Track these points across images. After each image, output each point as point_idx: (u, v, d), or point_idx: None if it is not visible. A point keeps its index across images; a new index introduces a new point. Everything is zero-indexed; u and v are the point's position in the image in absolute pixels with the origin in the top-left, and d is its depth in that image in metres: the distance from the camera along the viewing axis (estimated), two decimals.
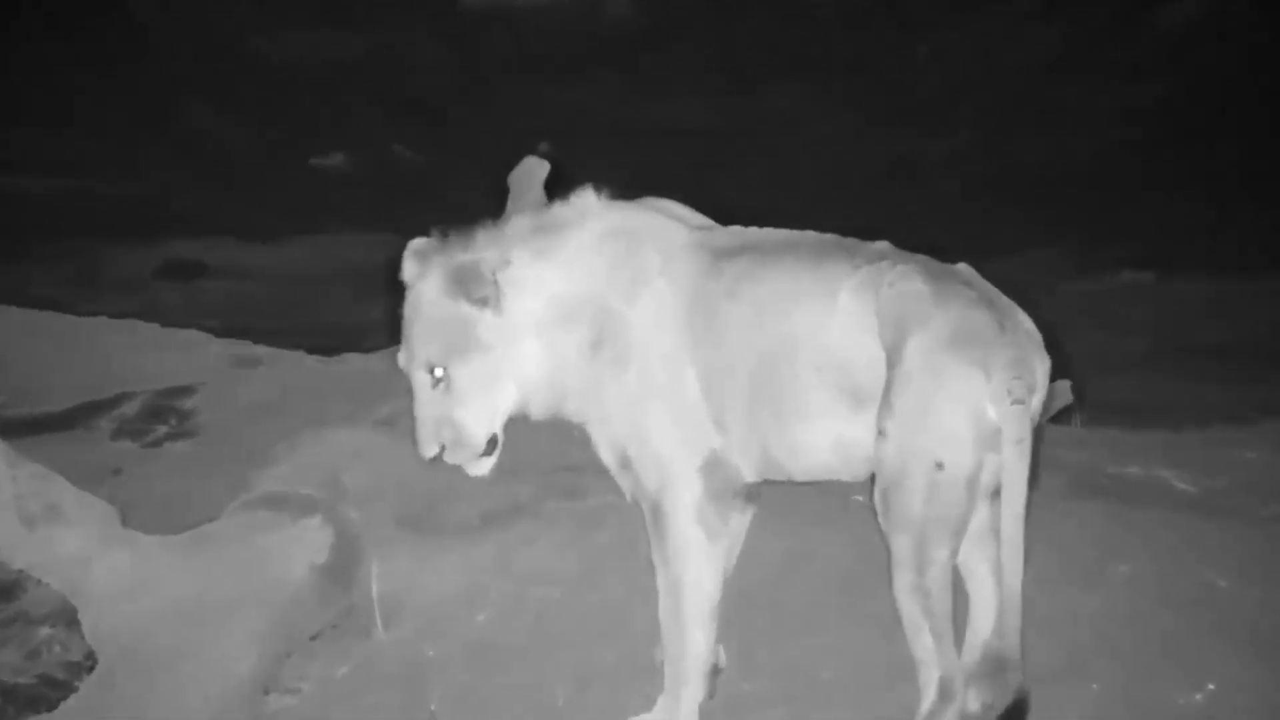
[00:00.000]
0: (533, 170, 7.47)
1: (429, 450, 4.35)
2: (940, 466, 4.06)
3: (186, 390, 7.84)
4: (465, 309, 4.34)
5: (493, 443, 4.43)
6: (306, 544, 5.59)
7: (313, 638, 5.62)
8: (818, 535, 5.73)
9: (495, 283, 4.35)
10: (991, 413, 4.05)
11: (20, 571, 5.41)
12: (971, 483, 4.08)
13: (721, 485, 4.42)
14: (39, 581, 5.38)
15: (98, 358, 8.19)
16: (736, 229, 4.61)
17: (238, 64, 22.35)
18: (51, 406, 7.87)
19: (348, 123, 20.33)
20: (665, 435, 4.38)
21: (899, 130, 19.32)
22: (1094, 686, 4.71)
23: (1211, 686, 4.63)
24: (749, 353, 4.36)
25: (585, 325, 4.42)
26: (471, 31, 23.35)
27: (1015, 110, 19.52)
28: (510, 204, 7.45)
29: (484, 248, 4.44)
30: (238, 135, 20.05)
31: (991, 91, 20.16)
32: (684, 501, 4.39)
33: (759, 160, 18.60)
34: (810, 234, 4.53)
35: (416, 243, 4.59)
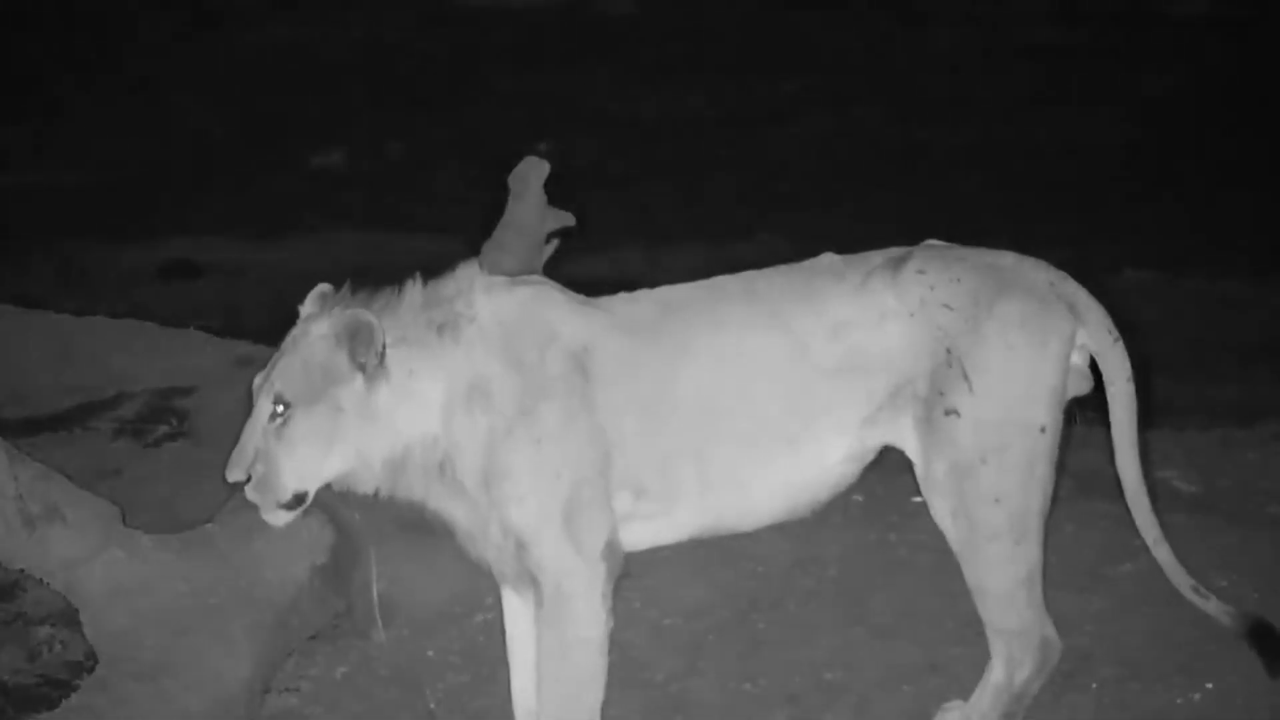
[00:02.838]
0: (532, 170, 7.45)
1: (234, 475, 4.19)
2: (1044, 430, 4.18)
3: (186, 390, 7.85)
4: (341, 364, 4.20)
5: (299, 499, 4.26)
6: (305, 544, 5.61)
7: (312, 637, 5.65)
8: (819, 536, 5.76)
9: (381, 355, 4.22)
10: (1079, 359, 4.25)
11: (21, 571, 5.43)
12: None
13: (617, 567, 4.37)
14: (40, 581, 5.39)
15: (96, 358, 8.17)
16: (638, 294, 4.55)
17: (228, 58, 22.29)
18: (49, 407, 7.87)
19: (342, 120, 20.26)
20: (580, 518, 4.27)
21: (901, 123, 19.23)
22: (1093, 685, 4.75)
23: (1210, 686, 4.67)
24: (718, 404, 4.33)
25: (494, 406, 4.27)
26: (466, 25, 23.29)
27: (1020, 103, 19.44)
28: (510, 204, 7.44)
29: (381, 315, 4.28)
30: (230, 132, 20.02)
31: (996, 83, 20.11)
32: (592, 587, 4.29)
33: (761, 152, 18.51)
34: (746, 272, 4.52)
35: (324, 286, 4.50)
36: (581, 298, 4.50)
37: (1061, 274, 4.33)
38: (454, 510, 4.41)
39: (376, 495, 4.44)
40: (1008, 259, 4.35)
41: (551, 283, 4.57)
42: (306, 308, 4.46)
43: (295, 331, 4.34)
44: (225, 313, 11.72)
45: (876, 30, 22.18)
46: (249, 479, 4.20)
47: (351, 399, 4.22)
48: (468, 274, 4.46)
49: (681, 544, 4.57)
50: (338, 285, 4.43)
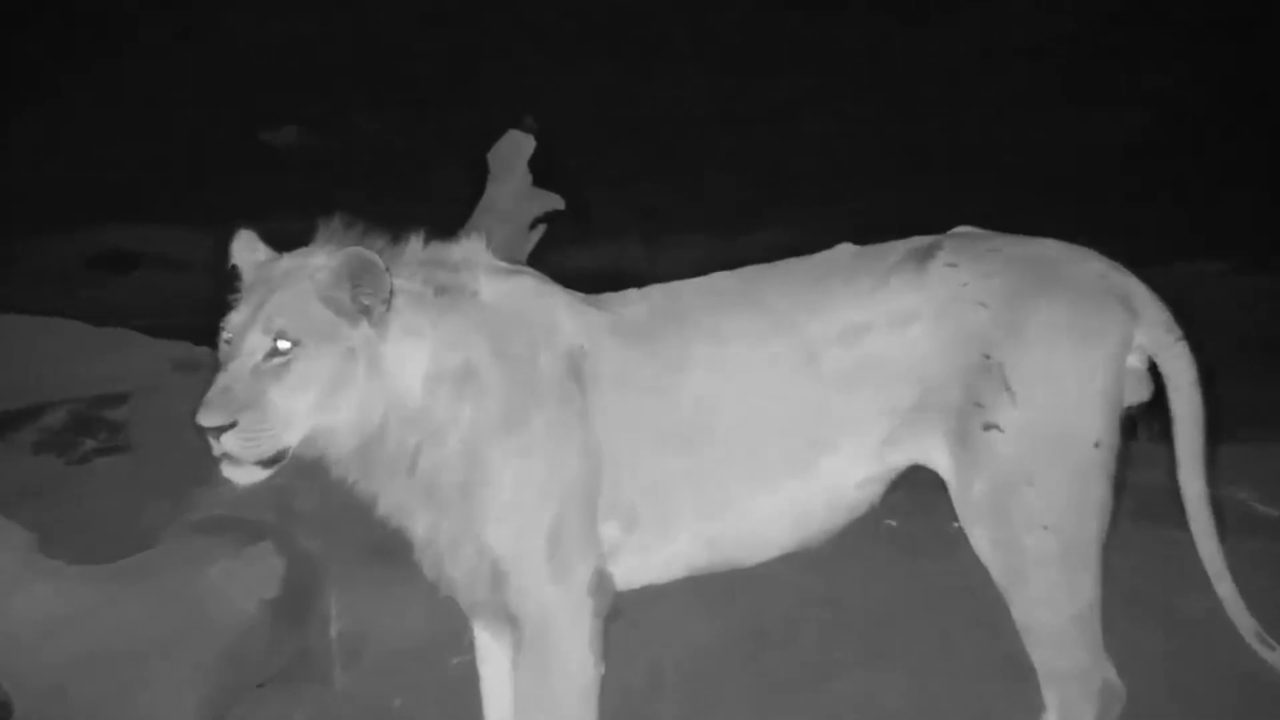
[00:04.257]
0: (516, 146, 7.43)
1: (216, 418, 3.98)
2: (1098, 444, 4.13)
3: (118, 398, 7.84)
4: (344, 303, 4.11)
5: (281, 455, 4.12)
6: (255, 575, 5.60)
7: (261, 685, 5.63)
8: (841, 566, 5.75)
9: (389, 301, 4.15)
10: (1136, 362, 4.18)
11: None
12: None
13: (607, 603, 4.33)
14: None
15: (15, 361, 8.18)
16: (638, 292, 4.53)
17: (179, 31, 22.32)
18: None
19: (304, 95, 20.28)
20: (567, 545, 4.24)
21: (903, 120, 19.43)
22: None
23: None
24: (719, 421, 4.30)
25: (484, 402, 4.23)
26: (460, 15, 23.36)
27: (1025, 98, 19.68)
28: (489, 186, 7.43)
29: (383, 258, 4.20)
30: (179, 110, 20.04)
31: (999, 78, 20.32)
32: (579, 624, 4.26)
33: (761, 148, 18.68)
34: (748, 268, 4.49)
35: (247, 232, 4.43)
36: (579, 295, 4.47)
37: (1113, 264, 4.27)
38: (415, 518, 4.34)
39: (338, 472, 4.34)
40: (1051, 248, 4.30)
41: (544, 277, 4.54)
42: (236, 256, 4.38)
43: (282, 265, 4.25)
44: (163, 310, 11.71)
45: (878, 21, 22.36)
46: (232, 424, 4.02)
47: (362, 343, 4.15)
48: (475, 247, 4.44)
49: (679, 579, 4.54)
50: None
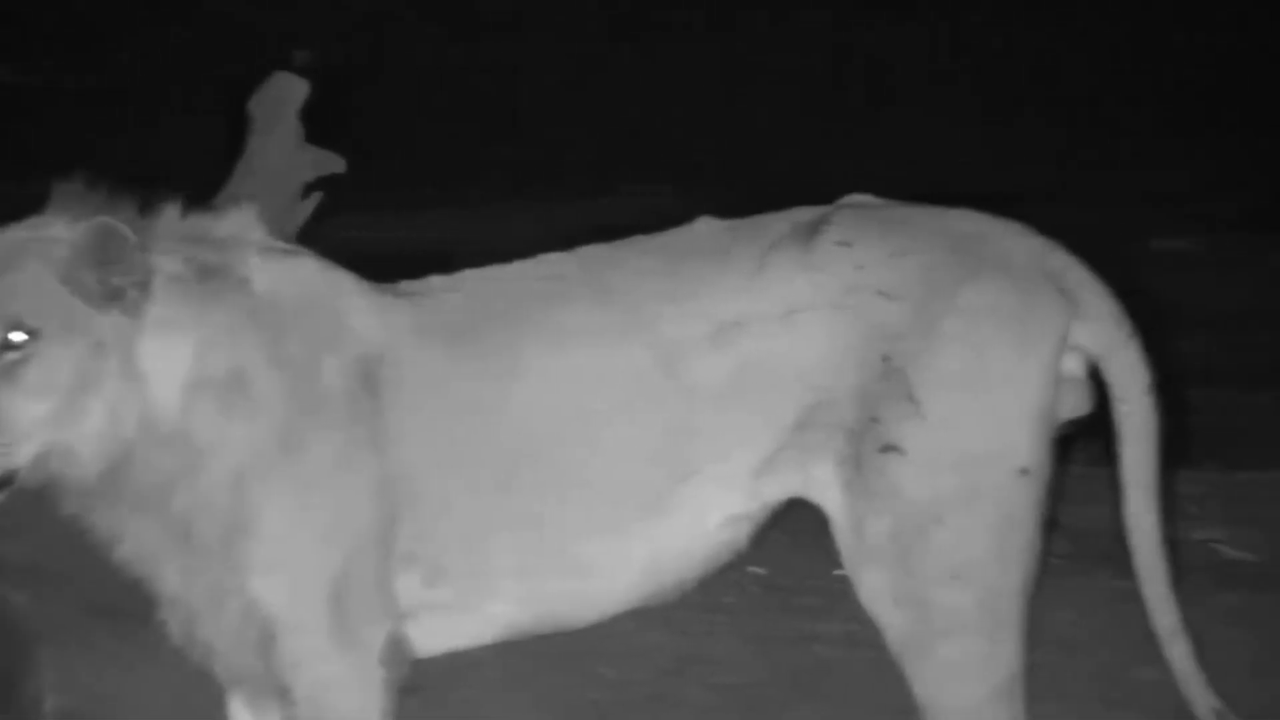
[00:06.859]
0: (284, 92, 7.42)
1: None
2: (1025, 472, 4.14)
3: None
4: (88, 286, 4.08)
5: (9, 479, 4.09)
6: None
7: None
8: (705, 626, 5.80)
9: (145, 284, 4.13)
10: (1074, 366, 4.19)
11: None
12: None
13: (401, 674, 4.36)
14: None
15: None
16: (447, 280, 4.55)
17: None
18: None
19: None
20: (354, 602, 4.27)
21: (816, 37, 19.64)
22: None
23: None
24: (549, 448, 4.33)
25: (258, 418, 4.22)
26: None
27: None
28: (252, 140, 7.41)
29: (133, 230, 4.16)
30: None
31: None
32: (366, 701, 4.30)
33: (612, 85, 18.65)
34: (589, 248, 4.52)
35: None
36: (371, 284, 4.48)
37: (1049, 243, 4.29)
38: (163, 566, 4.32)
39: (70, 505, 4.29)
40: (972, 220, 4.34)
41: (324, 259, 4.55)
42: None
43: (7, 240, 4.20)
44: None
45: None
46: None
47: (115, 335, 4.13)
48: (244, 221, 4.44)
49: (495, 644, 4.58)
50: None
